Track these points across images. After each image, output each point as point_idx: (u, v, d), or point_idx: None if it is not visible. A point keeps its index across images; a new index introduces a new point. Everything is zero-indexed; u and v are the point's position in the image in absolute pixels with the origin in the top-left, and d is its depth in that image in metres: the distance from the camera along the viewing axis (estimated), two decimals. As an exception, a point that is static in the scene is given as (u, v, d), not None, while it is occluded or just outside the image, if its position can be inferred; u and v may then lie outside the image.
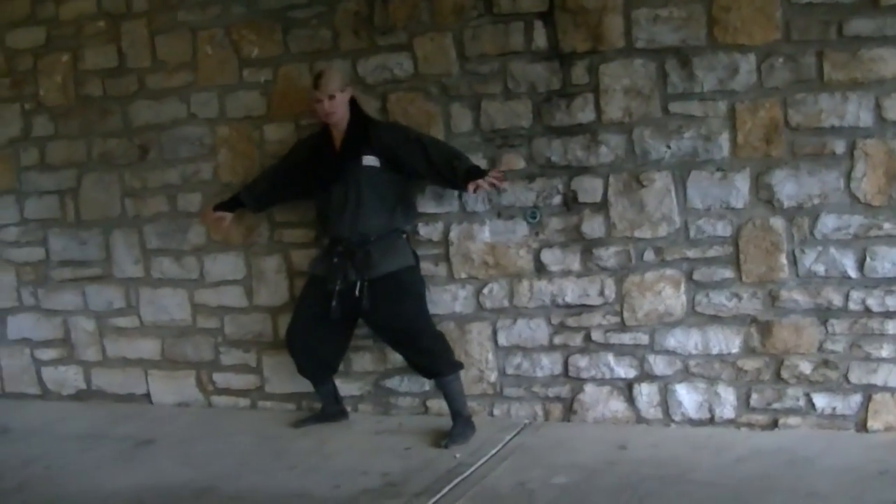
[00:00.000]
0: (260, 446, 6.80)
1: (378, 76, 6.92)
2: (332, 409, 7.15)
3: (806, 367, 6.13)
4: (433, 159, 6.53)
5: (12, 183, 8.28)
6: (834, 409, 6.12)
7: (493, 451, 6.27)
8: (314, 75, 6.70)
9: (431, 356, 6.61)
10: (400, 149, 6.59)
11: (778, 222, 6.08)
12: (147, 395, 8.06)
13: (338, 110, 6.63)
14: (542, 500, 5.48)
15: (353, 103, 6.71)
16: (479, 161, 6.64)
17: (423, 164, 6.56)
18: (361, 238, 6.58)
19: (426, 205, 6.90)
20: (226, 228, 7.32)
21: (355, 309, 6.61)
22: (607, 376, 6.58)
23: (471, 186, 6.40)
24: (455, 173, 6.48)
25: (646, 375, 6.48)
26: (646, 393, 6.49)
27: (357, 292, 6.54)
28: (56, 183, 8.11)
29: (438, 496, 5.63)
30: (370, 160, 6.60)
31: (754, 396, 6.25)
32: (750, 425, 6.27)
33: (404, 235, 6.77)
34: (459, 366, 6.68)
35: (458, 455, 6.22)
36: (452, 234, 6.85)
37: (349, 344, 7.03)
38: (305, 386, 7.29)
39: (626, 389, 6.55)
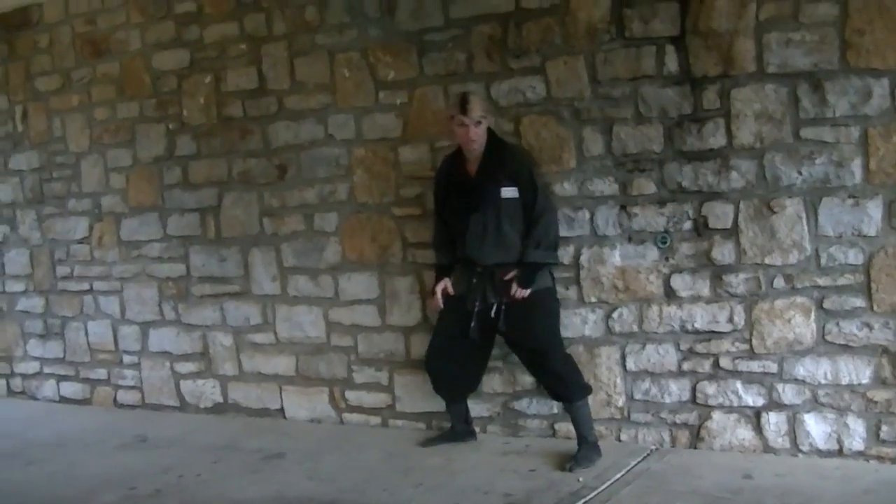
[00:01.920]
0: (387, 463, 6.90)
1: (511, 99, 6.98)
2: (461, 429, 7.19)
3: (938, 400, 6.02)
4: (529, 220, 6.57)
5: (156, 200, 8.60)
6: (968, 443, 5.99)
7: (618, 476, 6.25)
8: (459, 99, 6.65)
9: (560, 380, 6.62)
10: (520, 185, 6.58)
11: (911, 251, 5.98)
12: (281, 410, 8.24)
13: (480, 138, 6.61)
14: (662, 527, 5.47)
15: (488, 129, 6.71)
16: (611, 185, 6.70)
17: (522, 214, 6.60)
18: (500, 265, 6.60)
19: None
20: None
21: (493, 329, 6.66)
22: (735, 404, 6.51)
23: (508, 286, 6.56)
24: (521, 251, 6.57)
25: (774, 404, 6.40)
26: (774, 422, 6.41)
27: (493, 314, 6.58)
28: (197, 201, 8.40)
29: (559, 518, 5.66)
30: (508, 192, 6.58)
31: (885, 428, 6.11)
32: (880, 458, 6.13)
33: None
34: (588, 390, 6.67)
35: (581, 479, 6.23)
36: (583, 258, 6.87)
37: (487, 365, 7.09)
38: (436, 405, 7.40)
39: (754, 418, 6.47)
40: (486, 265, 6.62)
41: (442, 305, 6.85)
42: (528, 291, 6.50)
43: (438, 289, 6.86)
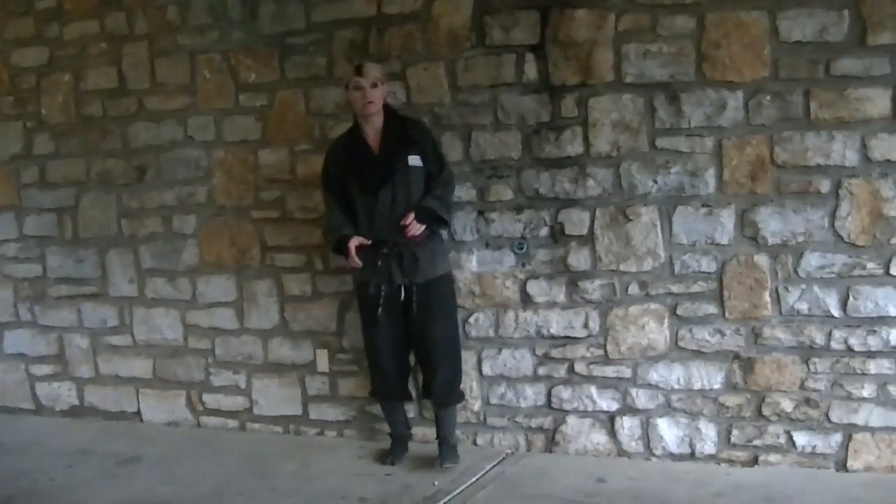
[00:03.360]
0: (244, 467, 6.67)
1: (371, 104, 6.79)
2: (406, 433, 6.75)
3: (787, 405, 6.01)
4: (431, 186, 6.25)
5: (12, 199, 8.18)
6: (814, 447, 5.99)
7: (473, 480, 6.15)
8: (354, 66, 6.31)
9: (442, 384, 6.37)
10: (424, 154, 6.25)
11: (762, 259, 5.98)
12: (138, 413, 7.93)
13: (377, 101, 6.19)
14: (516, 531, 5.35)
15: (386, 105, 6.34)
16: (468, 191, 6.59)
17: (425, 185, 6.25)
18: (409, 240, 6.19)
19: (415, 233, 6.72)
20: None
21: (405, 314, 6.31)
22: (590, 408, 6.45)
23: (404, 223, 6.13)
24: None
25: (628, 409, 6.36)
26: (627, 426, 6.37)
27: (402, 297, 6.24)
28: (55, 201, 8.02)
29: (413, 523, 5.51)
30: (415, 160, 6.20)
31: (735, 432, 6.13)
32: (730, 461, 6.16)
33: (444, 240, 6.52)
34: (462, 397, 6.54)
35: (436, 482, 6.10)
36: (441, 263, 6.69)
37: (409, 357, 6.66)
38: (293, 409, 7.30)
39: (608, 422, 6.42)
40: (395, 242, 6.20)
41: (360, 263, 6.26)
42: (423, 228, 6.13)
43: (352, 245, 6.20)
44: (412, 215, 6.12)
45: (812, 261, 5.89)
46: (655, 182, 6.16)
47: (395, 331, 6.35)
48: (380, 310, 6.24)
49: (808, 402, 5.97)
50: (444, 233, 6.49)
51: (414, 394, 6.75)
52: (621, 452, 6.41)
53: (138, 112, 7.63)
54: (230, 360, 7.55)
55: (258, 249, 7.33)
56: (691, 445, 6.24)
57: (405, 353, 6.53)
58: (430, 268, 6.27)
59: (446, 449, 6.40)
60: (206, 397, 7.67)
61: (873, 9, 5.66)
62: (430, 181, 6.25)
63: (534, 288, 6.51)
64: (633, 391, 6.34)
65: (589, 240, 6.35)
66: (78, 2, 7.79)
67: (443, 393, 6.42)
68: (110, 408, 8.04)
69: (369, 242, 6.23)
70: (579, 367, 6.45)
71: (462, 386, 6.53)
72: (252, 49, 7.20)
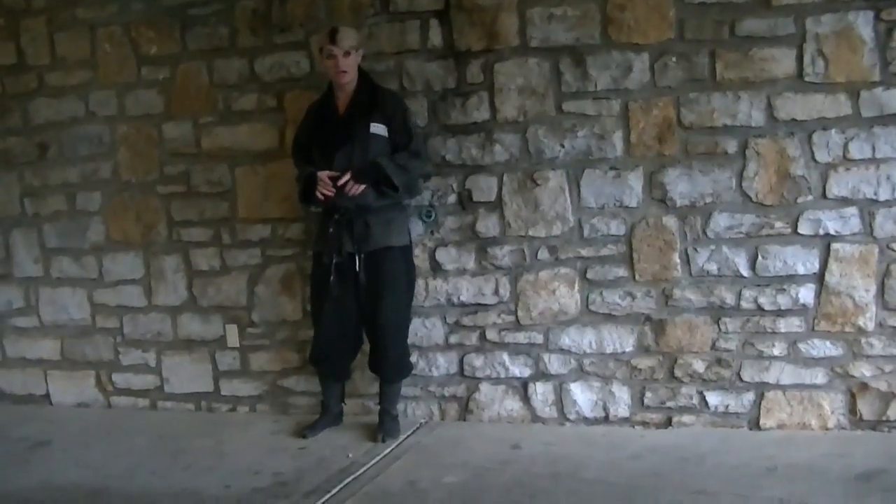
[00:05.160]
0: (156, 446, 6.46)
1: (275, 74, 6.63)
2: (338, 410, 6.56)
3: (699, 366, 5.95)
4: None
5: (-89, 182, 7.82)
6: (727, 407, 5.94)
7: (387, 451, 6.01)
8: (328, 30, 6.07)
9: (387, 360, 6.21)
10: (392, 128, 6.08)
11: (671, 221, 5.90)
12: (47, 396, 7.65)
13: (351, 69, 6.04)
14: (432, 499, 5.25)
15: (360, 69, 6.16)
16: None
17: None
18: (361, 208, 6.03)
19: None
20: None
21: (356, 285, 6.09)
22: (502, 375, 6.35)
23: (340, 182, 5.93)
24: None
25: (541, 374, 6.27)
26: (541, 392, 6.27)
27: (357, 267, 6.03)
28: (-45, 182, 7.68)
29: (328, 496, 5.36)
30: (378, 128, 6.03)
31: (648, 395, 6.07)
32: (644, 423, 6.09)
33: (406, 210, 6.31)
34: (409, 372, 6.37)
35: (350, 454, 5.95)
36: (351, 233, 6.51)
37: (362, 332, 6.40)
38: (204, 385, 7.12)
39: (522, 388, 6.32)
40: (346, 209, 5.99)
41: (333, 191, 5.96)
42: (361, 188, 5.92)
43: (323, 174, 5.96)
44: (348, 174, 5.90)
45: (720, 221, 5.82)
46: (563, 146, 6.06)
47: (346, 307, 6.15)
48: (331, 278, 6.05)
49: (719, 362, 5.92)
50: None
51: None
52: (535, 418, 6.31)
53: (39, 88, 7.34)
54: (139, 338, 7.31)
55: (164, 225, 7.10)
56: (605, 409, 6.16)
57: (356, 330, 6.31)
58: (382, 237, 6.07)
59: (388, 421, 6.27)
60: (116, 377, 7.42)
61: (777, -32, 5.61)
62: (395, 153, 6.06)
63: (443, 256, 6.39)
64: (546, 356, 6.24)
65: (497, 206, 6.24)
66: (-28, -22, 7.46)
67: (393, 370, 6.28)
68: (18, 391, 7.74)
69: (337, 174, 5.95)
70: (491, 335, 6.34)
71: (410, 361, 6.40)
72: (153, 21, 6.95)
